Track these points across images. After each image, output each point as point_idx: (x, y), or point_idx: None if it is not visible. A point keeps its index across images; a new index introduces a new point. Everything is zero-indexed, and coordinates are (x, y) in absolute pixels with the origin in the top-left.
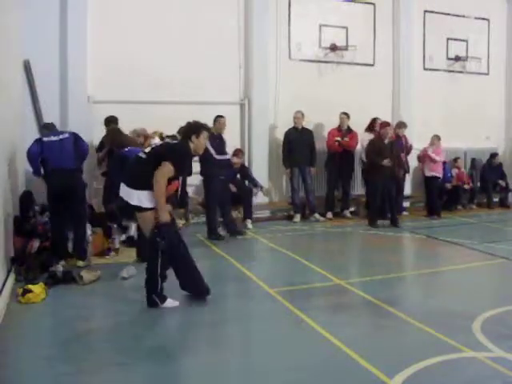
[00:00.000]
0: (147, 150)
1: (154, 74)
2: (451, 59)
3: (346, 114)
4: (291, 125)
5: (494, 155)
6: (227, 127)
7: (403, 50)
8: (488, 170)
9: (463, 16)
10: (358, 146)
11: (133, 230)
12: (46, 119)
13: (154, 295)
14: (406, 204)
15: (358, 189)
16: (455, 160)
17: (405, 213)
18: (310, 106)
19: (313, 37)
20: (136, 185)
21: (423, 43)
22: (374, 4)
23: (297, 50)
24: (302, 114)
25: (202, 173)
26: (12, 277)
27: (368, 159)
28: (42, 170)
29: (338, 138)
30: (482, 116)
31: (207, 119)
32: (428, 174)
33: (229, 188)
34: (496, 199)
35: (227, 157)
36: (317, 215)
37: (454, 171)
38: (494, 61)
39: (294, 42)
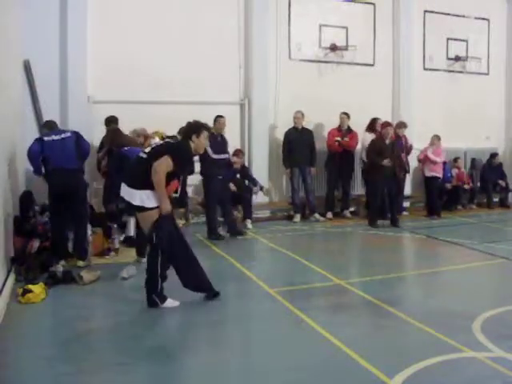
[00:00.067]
0: (147, 149)
1: (153, 74)
2: (451, 59)
3: (346, 113)
4: (291, 125)
5: (493, 155)
6: (227, 127)
7: (403, 49)
8: (488, 170)
9: (463, 16)
10: (359, 146)
11: (131, 230)
12: (46, 119)
13: (154, 295)
14: (406, 204)
15: (358, 189)
16: (455, 160)
17: (405, 213)
18: (310, 105)
19: (313, 37)
20: (137, 185)
21: (423, 43)
22: (374, 4)
23: (297, 50)
24: (302, 114)
25: (201, 172)
26: (12, 277)
27: (368, 159)
28: (43, 170)
29: (338, 138)
30: (482, 116)
31: (207, 119)
32: (428, 174)
33: (229, 187)
34: (496, 199)
35: (224, 156)
36: (317, 215)
37: (454, 171)
38: (494, 61)
39: (294, 41)
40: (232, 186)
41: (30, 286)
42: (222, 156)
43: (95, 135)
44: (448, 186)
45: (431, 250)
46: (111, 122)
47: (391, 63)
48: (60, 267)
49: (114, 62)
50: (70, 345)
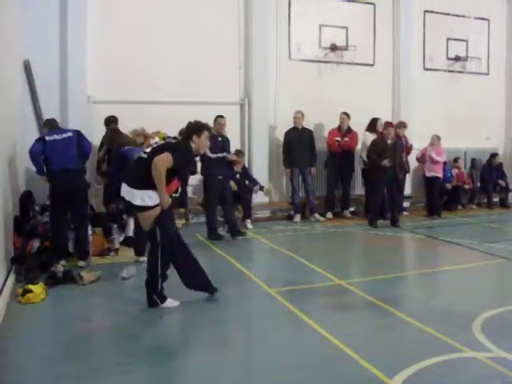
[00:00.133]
0: (148, 149)
1: (153, 74)
2: (451, 59)
3: (346, 114)
4: (291, 125)
5: (494, 155)
6: (227, 127)
7: (403, 49)
8: (488, 170)
9: (463, 16)
10: (359, 146)
11: (131, 231)
12: (47, 118)
13: (155, 295)
14: (406, 204)
15: (358, 189)
16: (455, 160)
17: (405, 213)
18: (310, 105)
19: (313, 37)
20: (138, 184)
21: (423, 43)
22: (374, 4)
23: (297, 49)
24: (302, 114)
25: (201, 172)
26: (12, 277)
27: (369, 159)
28: (45, 169)
29: (338, 138)
30: (482, 116)
31: (207, 119)
32: (428, 174)
33: (229, 187)
34: (496, 199)
35: (222, 154)
36: (317, 215)
37: (454, 171)
38: (494, 61)
39: (294, 42)
40: (233, 185)
41: (30, 286)
42: (220, 155)
43: (95, 135)
44: (448, 185)
45: (431, 250)
46: (111, 121)
47: (391, 63)
48: (60, 267)
49: (114, 61)
50: (70, 345)
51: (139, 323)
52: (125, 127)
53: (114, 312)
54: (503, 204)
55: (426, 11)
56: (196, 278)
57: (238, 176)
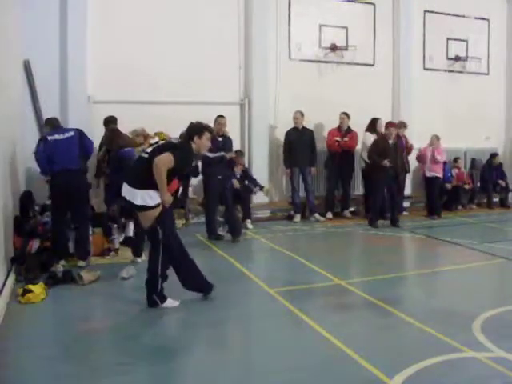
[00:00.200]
0: (149, 149)
1: (153, 74)
2: (451, 59)
3: (346, 114)
4: (291, 125)
5: (494, 155)
6: (227, 127)
7: (403, 49)
8: (488, 170)
9: (463, 16)
10: (358, 146)
11: (131, 231)
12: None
13: (155, 295)
14: (406, 204)
15: (358, 189)
16: (455, 160)
17: (405, 213)
18: (310, 105)
19: (313, 37)
20: (139, 184)
21: (423, 43)
22: (374, 4)
23: (297, 49)
24: (302, 114)
25: (201, 172)
26: (12, 277)
27: (370, 159)
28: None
29: (338, 138)
30: (482, 116)
31: (207, 119)
32: (428, 174)
33: (229, 187)
34: (496, 199)
35: (219, 154)
36: (317, 215)
37: (454, 171)
38: (494, 61)
39: (294, 42)
40: (236, 183)
41: (30, 286)
42: (218, 154)
43: (95, 135)
44: (448, 185)
45: (431, 250)
46: (110, 122)
47: (391, 63)
48: (60, 267)
49: (114, 61)
50: (70, 345)
51: (139, 323)
52: (125, 127)
53: (114, 312)
54: (503, 204)
55: (426, 11)
56: (193, 279)
57: (238, 176)
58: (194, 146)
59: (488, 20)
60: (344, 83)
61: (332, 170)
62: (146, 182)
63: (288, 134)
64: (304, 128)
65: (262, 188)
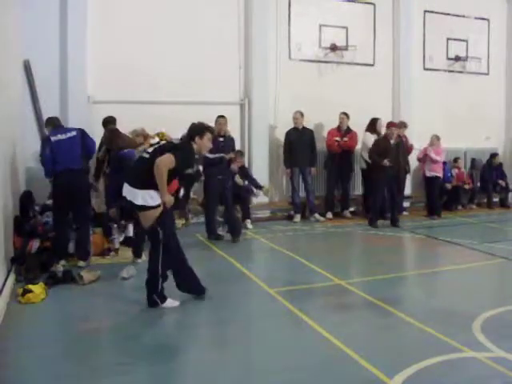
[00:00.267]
0: (150, 149)
1: (153, 74)
2: (451, 59)
3: (345, 114)
4: (291, 125)
5: (494, 155)
6: (228, 127)
7: (403, 49)
8: (488, 170)
9: (463, 16)
10: (358, 146)
11: (131, 231)
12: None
13: (155, 295)
14: (406, 204)
15: (358, 189)
16: (455, 160)
17: (405, 213)
18: (310, 105)
19: (313, 37)
20: (139, 184)
21: (423, 43)
22: (374, 4)
23: (297, 49)
24: (302, 114)
25: (202, 172)
26: (12, 277)
27: (371, 159)
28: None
29: (338, 138)
30: (482, 116)
31: (207, 119)
32: (428, 174)
33: (229, 187)
34: (496, 199)
35: (219, 155)
36: (317, 215)
37: (454, 171)
38: (494, 61)
39: (294, 42)
40: (239, 180)
41: (30, 286)
42: (217, 155)
43: (95, 135)
44: (448, 185)
45: (431, 250)
46: (109, 122)
47: (391, 63)
48: (60, 267)
49: (114, 61)
50: (70, 345)
51: (139, 323)
52: (125, 127)
53: (114, 312)
54: (503, 204)
55: (426, 11)
56: (189, 282)
57: (235, 168)
58: (195, 146)
59: (488, 20)
60: (344, 83)
61: (332, 170)
62: (147, 182)
63: (288, 134)
64: (304, 128)
65: (261, 187)
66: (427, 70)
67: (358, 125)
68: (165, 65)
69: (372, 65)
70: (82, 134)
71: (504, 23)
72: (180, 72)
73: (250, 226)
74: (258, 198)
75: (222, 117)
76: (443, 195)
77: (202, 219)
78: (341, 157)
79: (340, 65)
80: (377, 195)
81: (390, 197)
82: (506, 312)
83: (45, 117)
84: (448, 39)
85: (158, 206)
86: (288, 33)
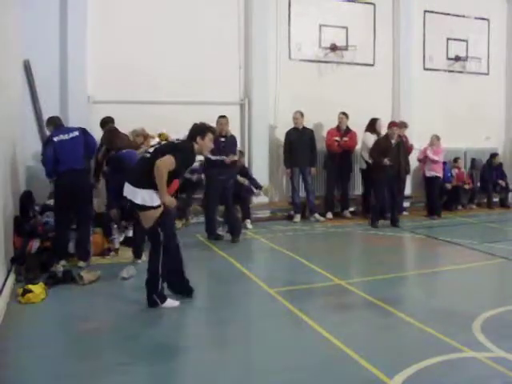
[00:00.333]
0: (151, 149)
1: (153, 74)
2: (451, 59)
3: (344, 113)
4: (291, 125)
5: (494, 155)
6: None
7: (403, 49)
8: (488, 170)
9: (463, 16)
10: (358, 146)
11: (131, 231)
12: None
13: (155, 295)
14: (406, 204)
15: (358, 189)
16: (455, 160)
17: (405, 213)
18: (310, 105)
19: (313, 37)
20: (140, 184)
21: (423, 43)
22: (374, 4)
23: (297, 49)
24: (301, 114)
25: (203, 173)
26: (12, 277)
27: (372, 159)
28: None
29: (337, 138)
30: (482, 116)
31: (207, 119)
32: (428, 174)
33: (230, 187)
34: (496, 199)
35: (221, 157)
36: (317, 215)
37: (454, 171)
38: (494, 61)
39: (294, 42)
40: (241, 179)
41: (30, 286)
42: (218, 158)
43: (95, 135)
44: (448, 185)
45: (431, 250)
46: (107, 122)
47: (391, 63)
48: (60, 267)
49: (114, 61)
50: (69, 345)
51: (139, 323)
52: (125, 127)
53: (114, 312)
54: (503, 204)
55: (426, 11)
56: (180, 284)
57: (237, 176)
58: (196, 146)
59: (488, 20)
60: (344, 83)
61: (331, 170)
62: (148, 182)
63: (288, 134)
64: (304, 128)
65: (261, 188)
66: (427, 69)
67: (358, 125)
68: (165, 65)
69: (372, 65)
70: (84, 132)
71: (504, 23)
72: (180, 72)
73: (249, 225)
74: (258, 198)
75: (223, 117)
76: (443, 195)
77: (202, 219)
78: (341, 157)
79: (340, 65)
80: (377, 195)
81: (390, 197)
82: (506, 312)
83: (45, 117)
84: (448, 39)
85: (159, 206)
86: (288, 33)
